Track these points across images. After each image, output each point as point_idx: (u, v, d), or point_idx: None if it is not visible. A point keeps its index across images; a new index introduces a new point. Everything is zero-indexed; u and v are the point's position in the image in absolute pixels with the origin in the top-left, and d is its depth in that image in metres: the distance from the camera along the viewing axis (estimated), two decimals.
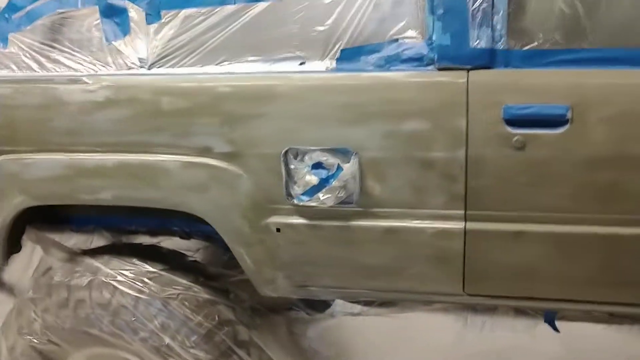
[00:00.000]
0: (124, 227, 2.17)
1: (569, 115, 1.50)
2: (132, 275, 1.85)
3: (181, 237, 2.12)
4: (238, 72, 1.70)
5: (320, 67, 1.68)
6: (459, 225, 1.64)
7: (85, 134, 1.78)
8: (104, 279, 1.85)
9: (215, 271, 2.02)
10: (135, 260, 1.91)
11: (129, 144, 1.76)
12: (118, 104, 1.75)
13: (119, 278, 1.84)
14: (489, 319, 1.84)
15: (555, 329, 1.86)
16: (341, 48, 1.66)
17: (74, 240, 2.17)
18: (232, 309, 1.92)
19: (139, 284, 1.83)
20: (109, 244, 2.10)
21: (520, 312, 1.83)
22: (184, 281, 1.88)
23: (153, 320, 1.81)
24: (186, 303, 1.84)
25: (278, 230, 1.76)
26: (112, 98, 1.75)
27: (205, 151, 1.72)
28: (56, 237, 2.17)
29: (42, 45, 1.87)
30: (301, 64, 1.69)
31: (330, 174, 1.66)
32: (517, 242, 1.62)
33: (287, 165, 1.67)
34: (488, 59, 1.56)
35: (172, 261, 1.97)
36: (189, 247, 2.23)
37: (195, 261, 2.04)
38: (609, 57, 1.49)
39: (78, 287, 1.86)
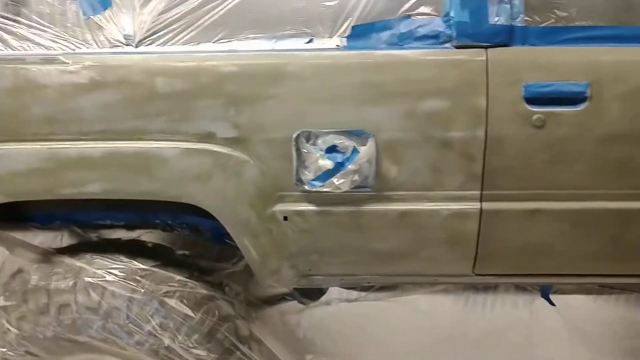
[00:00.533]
0: (97, 221, 1.98)
1: (588, 92, 1.51)
2: (123, 274, 1.68)
3: (163, 230, 1.97)
4: (243, 50, 1.58)
5: (328, 45, 1.60)
6: (474, 205, 1.62)
7: (66, 121, 1.59)
8: (90, 280, 1.67)
9: (207, 265, 1.89)
10: (122, 258, 1.74)
11: (120, 131, 1.59)
12: (105, 86, 1.57)
13: (108, 278, 1.67)
14: (489, 297, 1.86)
15: (551, 303, 1.91)
16: (352, 24, 1.59)
17: (40, 238, 1.96)
18: (231, 303, 1.81)
19: (131, 283, 1.67)
20: (85, 241, 1.91)
21: (520, 288, 1.86)
22: (179, 277, 1.74)
23: (150, 321, 1.66)
24: (184, 300, 1.70)
25: (285, 218, 1.66)
26: (98, 80, 1.57)
27: (208, 137, 1.58)
28: (18, 235, 1.96)
29: (4, 20, 1.65)
30: (308, 41, 1.60)
31: (345, 157, 1.58)
32: (532, 221, 1.63)
33: (298, 149, 1.58)
34: (507, 36, 1.53)
35: (162, 256, 1.81)
36: (164, 240, 2.09)
37: (184, 255, 1.90)
38: (626, 34, 1.51)
39: (60, 290, 1.67)
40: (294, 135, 1.57)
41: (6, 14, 1.64)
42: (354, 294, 2.00)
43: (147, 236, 2.02)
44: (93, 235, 1.99)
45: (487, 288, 1.89)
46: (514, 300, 1.83)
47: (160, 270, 1.73)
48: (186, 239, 2.03)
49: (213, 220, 1.75)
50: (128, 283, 1.67)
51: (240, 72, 1.56)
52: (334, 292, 2.01)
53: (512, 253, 1.69)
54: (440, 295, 1.90)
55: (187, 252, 1.93)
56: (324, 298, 2.00)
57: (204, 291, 1.75)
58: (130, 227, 2.01)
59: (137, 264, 1.72)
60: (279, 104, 1.56)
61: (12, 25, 1.63)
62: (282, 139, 1.58)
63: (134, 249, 1.83)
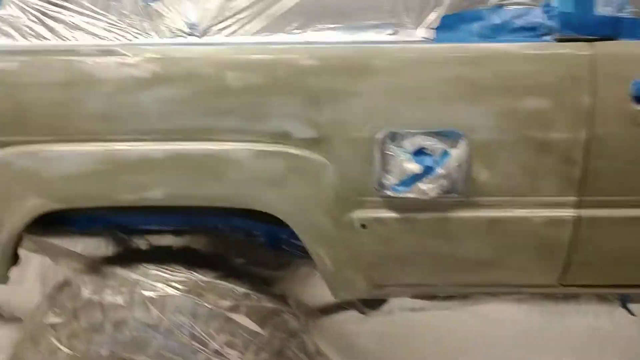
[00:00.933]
0: (143, 226, 1.83)
1: None
2: (184, 287, 1.54)
3: (216, 235, 1.82)
4: (323, 41, 1.44)
5: (414, 37, 1.46)
6: (569, 212, 1.50)
7: (125, 119, 1.43)
8: (149, 293, 1.53)
9: (265, 274, 1.75)
10: (180, 268, 1.60)
11: (186, 130, 1.44)
12: (169, 80, 1.42)
13: (169, 291, 1.53)
14: (568, 306, 1.75)
15: (631, 313, 1.81)
16: (441, 14, 1.45)
17: (81, 245, 1.81)
18: (296, 316, 1.67)
19: (194, 297, 1.53)
20: (134, 249, 1.76)
21: (601, 298, 1.75)
22: (242, 289, 1.60)
23: (215, 338, 1.52)
24: (251, 315, 1.57)
25: (363, 226, 1.53)
26: (162, 74, 1.42)
27: (283, 137, 1.44)
28: (56, 242, 1.80)
29: (52, 6, 1.48)
30: (392, 33, 1.46)
31: (434, 160, 1.45)
32: (632, 228, 1.51)
33: (382, 151, 1.44)
34: (614, 29, 1.41)
35: (219, 265, 1.67)
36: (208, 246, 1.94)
37: (241, 263, 1.75)
38: None
39: (115, 305, 1.52)
40: (379, 136, 1.43)
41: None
42: (419, 302, 1.87)
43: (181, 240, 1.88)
44: (138, 241, 1.84)
45: (565, 297, 1.78)
46: (594, 310, 1.73)
47: (222, 282, 1.58)
48: (230, 243, 1.90)
49: (268, 224, 1.63)
50: (191, 297, 1.53)
51: (321, 66, 1.42)
52: (396, 300, 1.89)
53: (604, 263, 1.57)
54: (513, 305, 1.78)
55: (243, 260, 1.79)
56: (386, 307, 1.88)
57: (270, 304, 1.61)
58: (178, 233, 1.87)
59: (198, 276, 1.58)
60: (363, 101, 1.42)
61: (60, 12, 1.48)
62: (364, 140, 1.44)
63: (188, 258, 1.69)
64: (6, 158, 1.45)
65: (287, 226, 1.61)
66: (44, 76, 1.42)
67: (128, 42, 1.44)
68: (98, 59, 1.42)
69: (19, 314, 1.82)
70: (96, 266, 1.64)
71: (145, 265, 1.59)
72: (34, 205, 1.48)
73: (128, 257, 1.67)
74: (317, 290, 1.91)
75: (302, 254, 1.82)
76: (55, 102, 1.43)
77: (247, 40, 1.45)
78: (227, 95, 1.42)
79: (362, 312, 1.90)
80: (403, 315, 1.88)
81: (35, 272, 1.77)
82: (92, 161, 1.45)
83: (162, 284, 1.54)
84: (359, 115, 1.43)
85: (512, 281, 1.63)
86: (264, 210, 1.48)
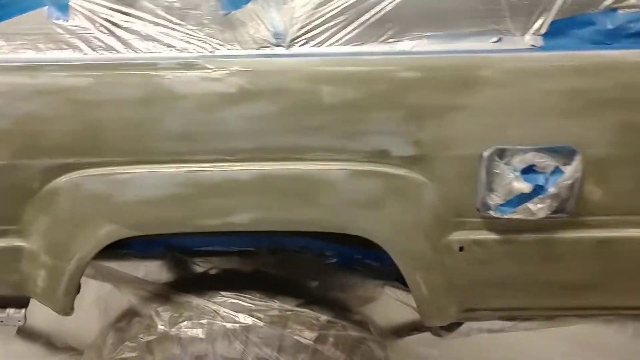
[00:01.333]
0: (207, 248, 1.72)
1: None
2: (268, 317, 1.42)
3: (283, 256, 1.71)
4: (423, 51, 1.32)
5: (521, 45, 1.35)
6: None
7: (208, 138, 1.31)
8: (230, 325, 1.41)
9: (341, 297, 1.64)
10: (259, 295, 1.48)
11: (274, 150, 1.32)
12: (257, 96, 1.29)
13: (250, 322, 1.41)
14: None
15: None
16: (550, 20, 1.34)
17: (143, 270, 1.68)
18: (379, 343, 1.56)
19: (279, 328, 1.42)
20: (203, 274, 1.64)
21: None
22: (326, 317, 1.49)
23: None
24: (339, 345, 1.45)
25: (461, 249, 1.41)
26: (249, 88, 1.29)
27: (381, 155, 1.32)
28: (115, 267, 1.68)
29: (122, 16, 1.36)
30: (496, 40, 1.35)
31: (546, 178, 1.34)
32: None
33: (488, 169, 1.33)
34: None
35: (298, 290, 1.56)
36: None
37: (316, 287, 1.64)
38: None
39: (195, 339, 1.41)
40: (486, 153, 1.32)
41: (123, 8, 1.35)
42: (498, 323, 1.77)
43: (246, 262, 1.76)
44: (200, 264, 1.73)
45: None
46: None
47: (305, 310, 1.47)
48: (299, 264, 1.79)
49: (340, 244, 1.52)
50: (275, 328, 1.42)
51: (423, 78, 1.30)
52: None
53: None
54: (601, 325, 1.69)
55: (316, 283, 1.68)
56: (462, 328, 1.77)
57: (355, 333, 1.50)
58: (244, 255, 1.75)
59: (280, 304, 1.47)
60: (469, 116, 1.31)
61: (131, 22, 1.35)
62: (469, 157, 1.33)
63: (264, 283, 1.57)
64: (77, 181, 1.33)
65: (360, 246, 1.51)
66: (119, 93, 1.30)
67: (210, 54, 1.33)
68: (178, 73, 1.29)
69: (73, 343, 1.70)
70: (166, 294, 1.52)
71: (222, 293, 1.48)
72: (107, 232, 1.36)
73: (199, 284, 1.55)
74: (389, 312, 1.81)
75: (376, 275, 1.72)
76: (131, 121, 1.31)
77: (339, 51, 1.33)
78: (320, 111, 1.30)
79: (437, 334, 1.79)
80: (480, 337, 1.78)
81: (91, 299, 1.65)
82: (171, 184, 1.33)
83: (244, 314, 1.43)
84: (464, 131, 1.31)
85: (613, 304, 1.52)
86: (359, 235, 1.37)
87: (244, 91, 1.30)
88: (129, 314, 1.50)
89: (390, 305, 1.78)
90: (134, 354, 1.43)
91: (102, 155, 1.33)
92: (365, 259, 1.75)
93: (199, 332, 1.40)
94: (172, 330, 1.42)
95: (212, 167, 1.33)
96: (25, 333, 1.71)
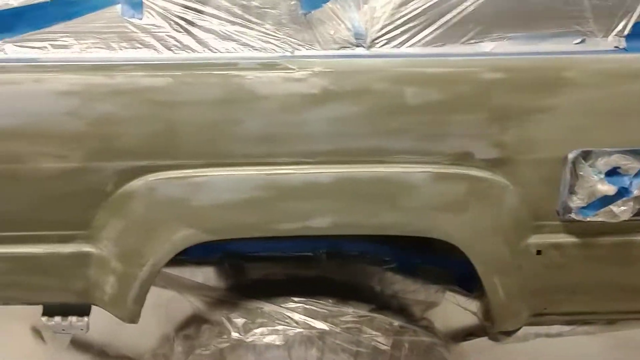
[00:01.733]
0: (263, 253, 1.68)
1: None
2: (342, 322, 1.40)
3: (342, 260, 1.68)
4: (508, 53, 1.31)
5: (605, 46, 1.33)
6: None
7: (290, 140, 1.28)
8: (306, 331, 1.38)
9: (405, 301, 1.62)
10: (330, 301, 1.45)
11: (356, 152, 1.29)
12: (340, 97, 1.27)
13: (327, 328, 1.38)
14: None
15: None
16: (632, 21, 1.32)
17: (200, 276, 1.64)
18: (448, 349, 1.54)
19: (354, 333, 1.39)
20: (263, 279, 1.60)
21: None
22: (399, 322, 1.47)
23: None
24: (414, 351, 1.43)
25: (539, 252, 1.40)
26: (332, 89, 1.27)
27: (464, 158, 1.30)
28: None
29: (198, 14, 1.32)
30: (579, 42, 1.34)
31: (630, 181, 1.33)
32: None
33: (572, 172, 1.32)
34: None
35: (367, 297, 1.53)
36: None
37: (382, 293, 1.62)
38: None
39: (270, 346, 1.38)
40: (571, 155, 1.31)
41: (198, 6, 1.32)
42: (555, 328, 1.76)
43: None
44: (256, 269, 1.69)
45: None
46: None
47: (378, 315, 1.45)
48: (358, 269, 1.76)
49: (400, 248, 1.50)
50: (351, 334, 1.39)
51: (507, 79, 1.28)
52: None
53: None
54: None
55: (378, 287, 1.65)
56: (519, 333, 1.75)
57: (426, 338, 1.48)
58: (301, 260, 1.72)
59: (352, 309, 1.44)
60: (553, 118, 1.29)
61: (209, 21, 1.32)
62: (552, 160, 1.31)
63: (327, 288, 1.55)
64: (152, 184, 1.30)
65: (422, 251, 1.50)
66: (198, 93, 1.26)
67: (289, 54, 1.30)
68: (259, 74, 1.26)
69: (128, 352, 1.65)
70: (233, 300, 1.49)
71: (293, 298, 1.45)
72: (183, 237, 1.32)
73: (264, 289, 1.52)
74: (445, 316, 1.79)
75: (435, 280, 1.70)
76: (209, 122, 1.28)
77: (420, 52, 1.31)
78: (404, 112, 1.28)
79: (495, 339, 1.77)
80: (538, 341, 1.76)
81: (148, 306, 1.60)
82: (250, 187, 1.30)
83: (318, 320, 1.40)
84: (547, 133, 1.30)
85: None
86: (440, 238, 1.35)
87: (327, 92, 1.27)
88: (197, 321, 1.47)
89: (447, 310, 1.76)
90: None
91: (179, 157, 1.29)
92: (424, 263, 1.73)
93: (274, 339, 1.37)
94: (247, 337, 1.39)
95: (292, 169, 1.30)
96: (78, 343, 1.66)
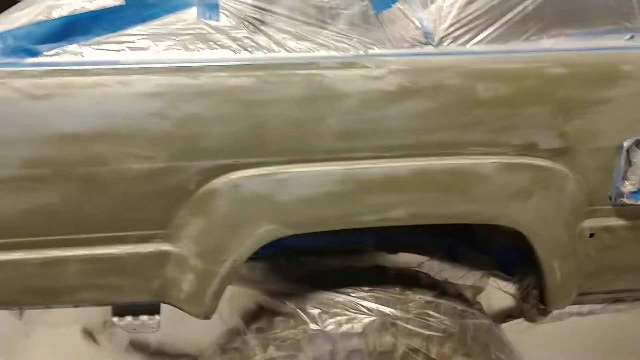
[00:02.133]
0: (314, 246, 1.73)
1: None
2: (413, 308, 1.46)
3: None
4: (570, 48, 1.39)
5: None
6: None
7: (368, 136, 1.33)
8: (379, 319, 1.44)
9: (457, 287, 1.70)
10: (395, 289, 1.51)
11: (430, 145, 1.36)
12: (417, 93, 1.33)
13: (398, 314, 1.44)
14: None
15: None
16: None
17: (258, 270, 1.67)
18: (498, 330, 1.63)
19: (426, 319, 1.45)
20: (322, 271, 1.64)
21: None
22: (461, 307, 1.54)
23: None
24: (479, 332, 1.50)
25: (591, 235, 1.50)
26: (409, 86, 1.33)
27: (529, 148, 1.38)
28: None
29: (272, 15, 1.36)
30: (629, 38, 1.44)
31: None
32: None
33: (626, 159, 1.42)
34: None
35: (424, 284, 1.60)
36: None
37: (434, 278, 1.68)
38: None
39: (346, 334, 1.42)
40: (626, 144, 1.40)
41: (274, 8, 1.35)
42: (587, 307, 1.86)
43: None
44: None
45: None
46: None
47: (443, 301, 1.52)
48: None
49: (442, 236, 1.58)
50: (422, 319, 1.45)
51: (570, 74, 1.37)
52: None
53: None
54: None
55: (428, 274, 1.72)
56: (555, 313, 1.85)
57: (485, 320, 1.56)
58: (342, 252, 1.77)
59: (418, 295, 1.50)
60: (611, 109, 1.39)
61: (283, 22, 1.36)
62: (608, 148, 1.41)
63: (384, 277, 1.61)
64: (236, 182, 1.32)
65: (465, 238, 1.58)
66: (281, 92, 1.30)
67: (363, 53, 1.35)
68: (340, 72, 1.31)
69: (189, 349, 1.66)
70: (300, 292, 1.53)
71: (362, 288, 1.50)
72: (265, 232, 1.35)
73: (328, 281, 1.57)
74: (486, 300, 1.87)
75: (478, 266, 1.78)
76: (293, 120, 1.32)
77: (486, 49, 1.39)
78: (476, 107, 1.35)
79: (533, 320, 1.87)
80: (571, 320, 1.87)
81: None
82: (331, 182, 1.35)
83: (388, 307, 1.46)
84: (606, 123, 1.39)
85: None
86: (507, 225, 1.42)
87: (403, 89, 1.33)
88: (267, 314, 1.50)
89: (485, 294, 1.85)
90: (283, 353, 1.43)
91: (263, 155, 1.33)
92: (467, 251, 1.81)
93: (350, 328, 1.43)
94: (323, 326, 1.43)
95: (372, 164, 1.35)
96: (135, 344, 1.67)
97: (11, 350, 1.73)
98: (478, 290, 1.72)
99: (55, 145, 1.27)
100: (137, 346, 1.67)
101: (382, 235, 1.74)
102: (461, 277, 1.74)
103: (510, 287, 1.84)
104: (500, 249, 1.82)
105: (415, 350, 1.44)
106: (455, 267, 1.75)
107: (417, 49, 1.37)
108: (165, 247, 1.39)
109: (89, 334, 1.72)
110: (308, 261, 1.69)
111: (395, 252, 1.75)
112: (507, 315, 1.93)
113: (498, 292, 1.81)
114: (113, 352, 1.66)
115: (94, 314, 1.75)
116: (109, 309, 1.56)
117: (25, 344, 1.74)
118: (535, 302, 1.75)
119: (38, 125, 1.26)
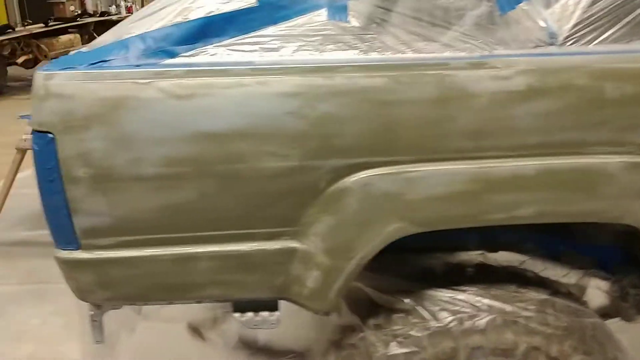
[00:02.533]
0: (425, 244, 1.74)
1: None
2: (530, 305, 1.47)
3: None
4: None
5: None
6: None
7: (497, 135, 1.35)
8: (500, 316, 1.45)
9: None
10: (512, 287, 1.52)
11: (556, 144, 1.37)
12: (545, 93, 1.34)
13: (520, 312, 1.45)
14: None
15: None
16: None
17: None
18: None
19: (544, 317, 1.47)
20: (430, 268, 1.66)
21: None
22: (575, 305, 1.54)
23: (572, 357, 1.46)
24: (596, 330, 1.51)
25: None
26: (537, 86, 1.34)
27: None
28: None
29: (397, 16, 1.38)
30: None
31: None
32: None
33: None
34: None
35: (535, 280, 1.61)
36: None
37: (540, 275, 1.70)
38: None
39: (467, 331, 1.44)
40: None
41: (400, 9, 1.38)
42: None
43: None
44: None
45: None
46: None
47: (558, 300, 1.53)
48: None
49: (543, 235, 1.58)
50: (541, 317, 1.46)
51: None
52: None
53: None
54: None
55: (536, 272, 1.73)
56: None
57: (598, 319, 1.57)
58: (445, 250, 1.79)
59: (534, 293, 1.51)
60: None
61: (410, 23, 1.38)
62: None
63: (494, 275, 1.62)
64: (366, 180, 1.35)
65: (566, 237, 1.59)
66: (414, 92, 1.33)
67: (488, 53, 1.37)
68: (469, 72, 1.33)
69: (294, 346, 1.69)
70: (414, 289, 1.54)
71: (479, 285, 1.52)
72: (394, 230, 1.37)
73: (440, 278, 1.59)
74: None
75: (578, 266, 1.78)
76: (424, 120, 1.34)
77: (610, 49, 1.40)
78: (603, 106, 1.36)
79: (629, 320, 1.88)
80: None
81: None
82: (460, 180, 1.37)
83: (508, 304, 1.47)
84: None
85: None
86: (633, 224, 1.43)
87: (532, 89, 1.35)
88: (384, 311, 1.52)
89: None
90: (405, 350, 1.45)
91: (393, 154, 1.35)
92: (569, 249, 1.82)
93: (472, 325, 1.44)
94: (445, 324, 1.45)
95: (500, 162, 1.37)
96: (244, 340, 1.70)
97: (116, 345, 1.77)
98: (582, 289, 1.72)
99: (197, 144, 1.31)
100: (245, 343, 1.70)
101: (484, 233, 1.76)
102: (564, 275, 1.76)
103: (607, 286, 1.85)
104: (599, 248, 1.84)
105: (536, 348, 1.46)
106: (556, 266, 1.77)
107: (541, 49, 1.40)
108: (292, 244, 1.42)
109: (195, 330, 1.76)
110: (414, 258, 1.71)
111: (495, 250, 1.77)
112: (603, 314, 1.93)
113: (593, 290, 1.82)
114: (220, 348, 1.69)
115: (198, 311, 1.79)
116: (216, 305, 1.59)
117: (129, 340, 1.78)
118: (634, 302, 1.76)
119: (181, 124, 1.30)
